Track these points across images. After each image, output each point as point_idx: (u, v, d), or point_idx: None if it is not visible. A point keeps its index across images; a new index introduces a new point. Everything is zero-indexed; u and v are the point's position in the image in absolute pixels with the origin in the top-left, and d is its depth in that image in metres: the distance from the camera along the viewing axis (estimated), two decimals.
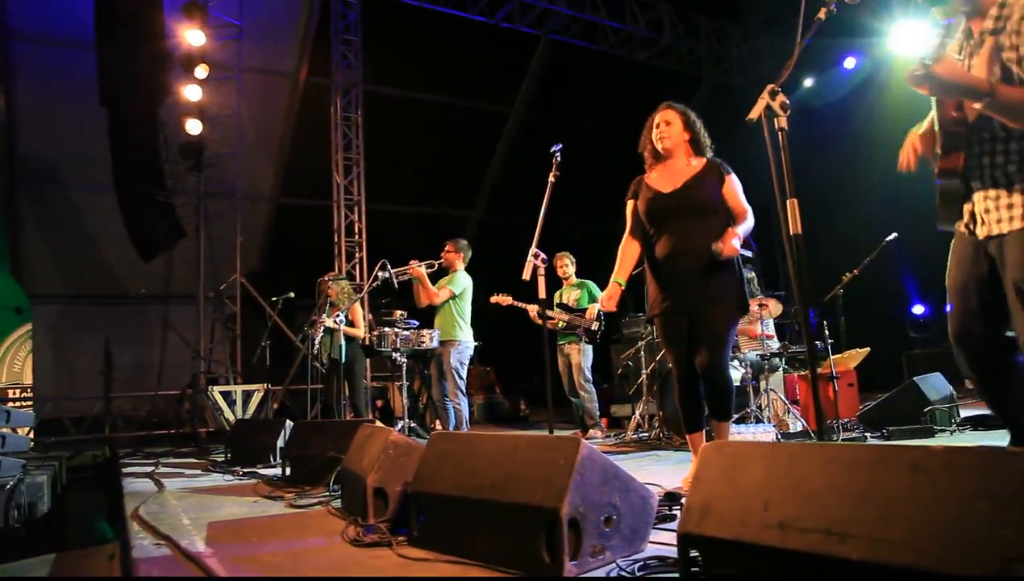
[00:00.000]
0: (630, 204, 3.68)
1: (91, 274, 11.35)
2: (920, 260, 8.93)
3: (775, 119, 2.15)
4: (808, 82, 10.83)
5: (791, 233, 2.13)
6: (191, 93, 8.81)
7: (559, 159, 3.61)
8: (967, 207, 2.34)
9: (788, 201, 2.12)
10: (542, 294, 3.52)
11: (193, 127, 8.83)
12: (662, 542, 2.42)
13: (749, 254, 4.53)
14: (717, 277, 3.35)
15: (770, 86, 2.18)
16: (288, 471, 4.46)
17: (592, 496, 2.14)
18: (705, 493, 1.71)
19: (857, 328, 7.19)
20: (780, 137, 2.13)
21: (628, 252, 3.66)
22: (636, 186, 3.67)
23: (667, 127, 3.54)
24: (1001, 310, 2.31)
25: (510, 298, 6.44)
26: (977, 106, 2.12)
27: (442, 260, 6.42)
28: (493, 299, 6.47)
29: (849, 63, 10.50)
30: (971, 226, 2.34)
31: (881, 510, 1.38)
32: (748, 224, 3.35)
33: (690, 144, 3.55)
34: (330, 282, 6.73)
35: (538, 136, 12.40)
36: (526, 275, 3.39)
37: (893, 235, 5.79)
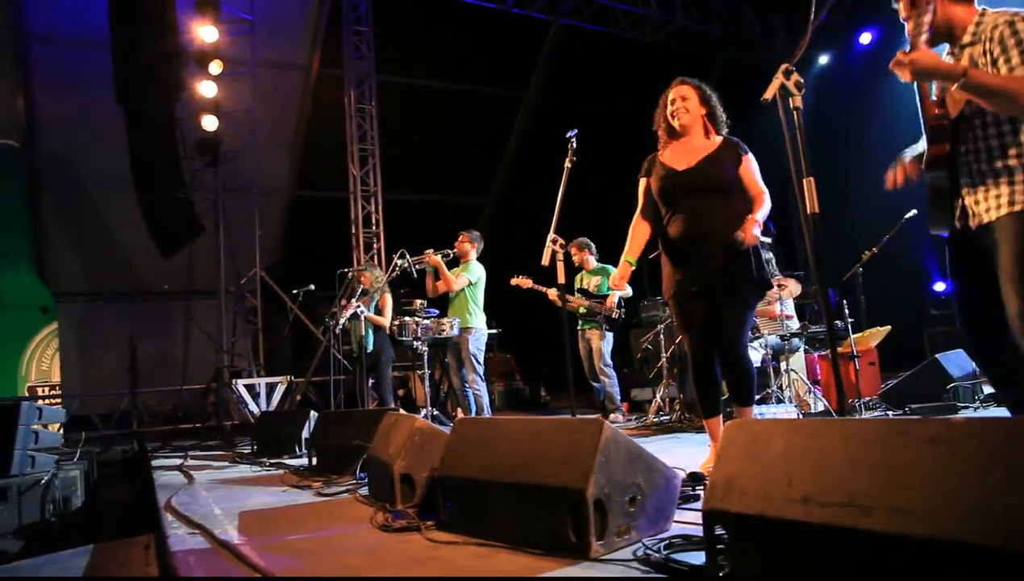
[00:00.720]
0: (642, 182, 3.60)
1: (113, 271, 11.50)
2: (940, 237, 8.87)
3: (790, 98, 2.17)
4: (824, 59, 10.71)
5: (808, 212, 2.15)
6: (206, 89, 8.89)
7: (575, 145, 3.61)
8: (956, 202, 2.43)
9: (805, 180, 2.14)
10: (561, 279, 3.54)
11: (209, 123, 8.92)
12: (687, 521, 2.46)
13: (768, 240, 4.51)
14: (734, 256, 3.27)
15: (784, 65, 2.19)
16: (314, 461, 4.54)
17: (617, 477, 2.18)
18: (728, 470, 1.74)
19: (878, 306, 7.15)
20: (795, 116, 2.14)
21: (639, 231, 3.60)
22: (649, 163, 3.59)
23: (683, 102, 3.45)
24: (1001, 300, 2.36)
25: (530, 281, 6.48)
26: (953, 88, 2.22)
27: (455, 250, 6.49)
28: (513, 281, 6.50)
29: (865, 38, 10.38)
30: (963, 220, 2.43)
31: (901, 482, 1.41)
32: (766, 208, 3.29)
33: (707, 119, 3.48)
34: (364, 269, 6.79)
35: (551, 120, 12.44)
36: (545, 261, 3.41)
37: (913, 212, 5.73)
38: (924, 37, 2.23)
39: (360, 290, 6.87)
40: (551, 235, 3.48)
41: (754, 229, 3.14)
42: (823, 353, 6.10)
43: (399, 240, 8.99)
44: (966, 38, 2.39)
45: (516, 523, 2.30)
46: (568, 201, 3.57)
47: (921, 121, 2.44)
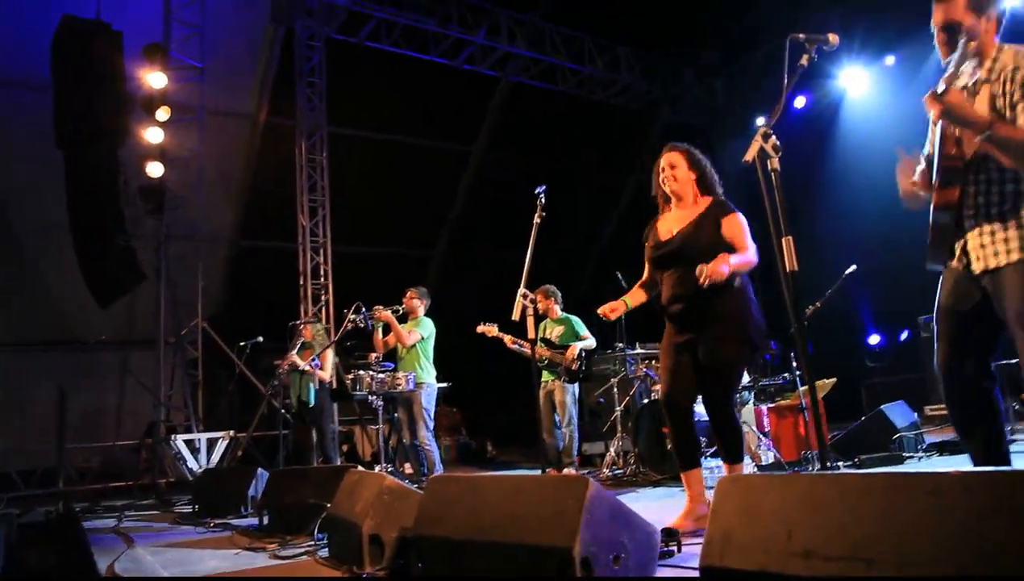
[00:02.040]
0: (647, 245, 3.68)
1: (42, 319, 10.99)
2: (874, 290, 9.25)
3: (768, 161, 2.26)
4: (761, 121, 11.20)
5: (787, 269, 2.22)
6: (152, 135, 8.71)
7: (543, 200, 3.66)
8: (959, 244, 2.44)
9: (784, 239, 2.22)
10: (531, 334, 3.55)
11: (154, 169, 8.72)
12: (667, 578, 2.45)
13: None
14: (721, 318, 3.33)
15: (762, 129, 2.29)
16: (266, 521, 4.36)
17: (602, 534, 2.16)
18: (724, 525, 1.75)
19: (818, 359, 7.37)
20: (773, 177, 2.23)
21: (640, 289, 3.73)
22: (648, 230, 3.69)
23: (671, 170, 3.55)
24: (989, 344, 2.43)
25: (495, 328, 6.44)
26: (976, 140, 2.26)
27: (404, 306, 6.49)
28: (480, 329, 6.46)
29: (799, 102, 10.94)
30: (964, 262, 2.44)
31: (904, 533, 1.44)
32: (746, 257, 3.32)
33: (697, 183, 3.55)
34: (305, 324, 6.73)
35: (498, 174, 12.71)
36: (516, 315, 3.42)
37: (853, 267, 5.98)
38: (961, 83, 2.25)
39: (301, 343, 6.78)
40: (521, 290, 3.49)
41: (721, 266, 3.13)
42: (771, 405, 6.23)
43: (347, 293, 8.91)
44: (982, 73, 2.39)
45: None
46: (537, 256, 3.59)
47: (935, 157, 2.44)
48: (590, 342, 6.52)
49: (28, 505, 7.47)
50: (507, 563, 2.25)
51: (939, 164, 2.41)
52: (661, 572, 2.46)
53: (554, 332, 6.62)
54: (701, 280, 3.13)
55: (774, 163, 2.25)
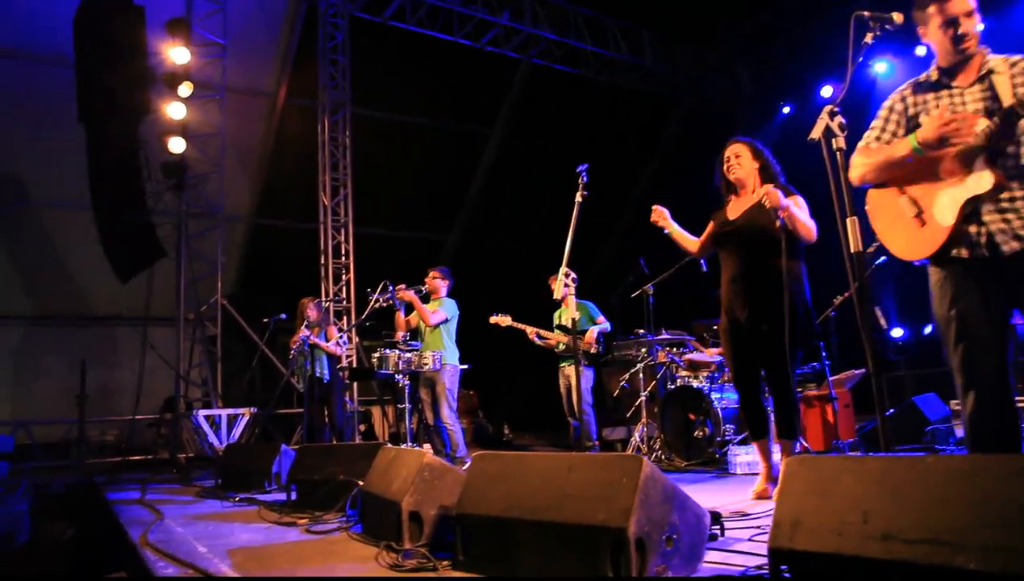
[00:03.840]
0: (709, 225, 3.99)
1: (60, 294, 11.08)
2: (899, 283, 9.15)
3: (833, 139, 2.21)
4: (787, 109, 11.10)
5: (852, 250, 2.18)
6: (174, 111, 8.69)
7: (585, 178, 3.65)
8: (977, 229, 2.36)
9: (848, 219, 2.18)
10: (573, 314, 3.55)
11: (176, 145, 8.70)
12: (714, 561, 2.43)
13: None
14: (779, 302, 3.44)
15: (829, 107, 2.24)
16: (294, 496, 4.37)
17: (655, 515, 2.14)
18: (794, 507, 1.72)
19: (844, 350, 7.32)
20: (838, 157, 2.19)
21: (691, 239, 4.07)
22: (717, 213, 3.97)
23: (736, 159, 3.85)
24: (1005, 339, 2.35)
25: (509, 318, 6.45)
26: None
27: (426, 286, 6.48)
28: (492, 320, 6.48)
29: (826, 91, 10.80)
30: (989, 248, 2.35)
31: (992, 518, 1.40)
32: (806, 217, 3.58)
33: (760, 172, 3.83)
34: (309, 303, 6.76)
35: (517, 158, 12.64)
36: (557, 294, 3.42)
37: (883, 259, 5.92)
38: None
39: (306, 322, 6.80)
40: (563, 269, 3.48)
41: (780, 195, 3.42)
42: (799, 395, 6.18)
43: (365, 273, 8.90)
44: (973, 74, 2.45)
45: (547, 563, 2.23)
46: (578, 235, 3.57)
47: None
48: (606, 326, 6.61)
49: (48, 476, 7.53)
50: (557, 543, 2.23)
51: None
52: (708, 556, 2.43)
53: (572, 318, 6.62)
54: (762, 199, 3.43)
55: (839, 142, 2.21)
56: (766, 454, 3.82)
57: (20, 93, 9.82)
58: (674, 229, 4.03)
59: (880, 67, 10.01)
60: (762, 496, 3.64)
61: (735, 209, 3.85)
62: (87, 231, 9.10)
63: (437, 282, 6.55)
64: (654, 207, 3.93)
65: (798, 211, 3.55)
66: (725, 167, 3.88)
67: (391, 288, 5.90)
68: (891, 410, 5.78)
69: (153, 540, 3.43)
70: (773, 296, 3.47)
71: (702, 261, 4.37)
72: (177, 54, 8.66)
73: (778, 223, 3.41)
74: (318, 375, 6.68)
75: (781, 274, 3.40)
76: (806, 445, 5.46)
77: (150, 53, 8.54)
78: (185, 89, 8.69)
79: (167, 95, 8.75)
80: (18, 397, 10.86)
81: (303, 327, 6.73)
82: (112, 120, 8.37)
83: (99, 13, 8.40)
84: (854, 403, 6.15)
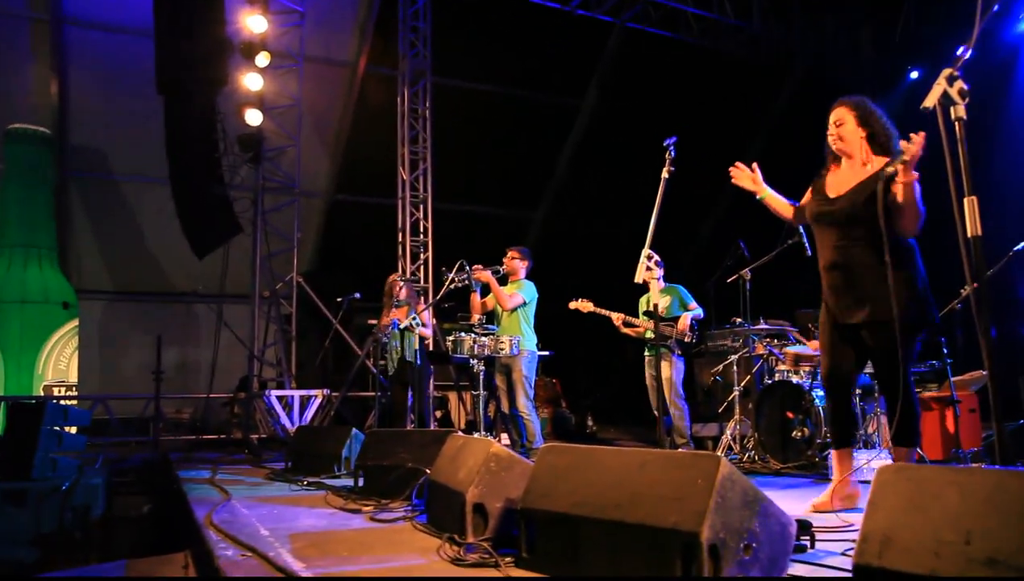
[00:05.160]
0: (808, 192, 3.77)
1: (140, 270, 11.72)
2: None
3: (952, 108, 2.08)
4: (915, 74, 10.53)
5: (969, 235, 2.05)
6: (251, 82, 9.00)
7: (673, 153, 3.57)
8: None
9: (966, 199, 2.04)
10: (655, 299, 3.49)
11: (253, 117, 9.02)
12: (798, 575, 2.36)
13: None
14: (884, 290, 3.26)
15: (947, 71, 2.10)
16: (361, 482, 4.49)
17: (732, 520, 2.09)
18: (885, 521, 1.65)
19: (971, 348, 6.94)
20: (957, 128, 2.05)
21: (786, 204, 3.84)
22: (816, 181, 3.72)
23: (837, 128, 3.57)
24: None
25: (591, 304, 6.39)
26: None
27: (504, 267, 6.47)
28: (572, 305, 6.44)
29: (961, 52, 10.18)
30: None
31: None
32: (919, 198, 3.26)
33: (868, 141, 3.52)
34: (400, 281, 6.83)
35: (608, 131, 12.48)
36: (639, 278, 3.36)
37: (1022, 245, 5.56)
38: None
39: (395, 302, 6.87)
40: (646, 250, 3.42)
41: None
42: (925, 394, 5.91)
43: (446, 251, 9.00)
44: None
45: (615, 565, 2.22)
46: (664, 214, 3.50)
47: None
48: (699, 312, 6.41)
49: (125, 452, 8.01)
50: (626, 545, 2.21)
51: None
52: (793, 569, 2.36)
53: (660, 303, 6.48)
54: (905, 157, 3.06)
55: (959, 111, 2.07)
56: (843, 466, 3.63)
57: (102, 64, 10.40)
58: (766, 193, 3.81)
59: None
60: (820, 509, 3.46)
61: (837, 184, 3.59)
62: (166, 205, 9.57)
63: (516, 263, 6.55)
64: (735, 166, 3.72)
65: (918, 192, 3.24)
66: (828, 136, 3.62)
67: (468, 268, 5.94)
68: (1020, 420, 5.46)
69: (217, 520, 3.59)
70: (877, 292, 3.31)
71: (806, 245, 4.21)
72: (254, 22, 8.94)
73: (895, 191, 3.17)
74: (408, 359, 6.74)
75: (885, 260, 3.19)
76: (921, 454, 5.22)
77: (228, 22, 8.84)
78: (263, 59, 8.98)
79: (244, 65, 9.07)
80: (101, 371, 11.56)
81: (393, 308, 6.79)
82: (190, 91, 8.73)
83: None
84: (982, 408, 5.82)
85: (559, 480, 2.51)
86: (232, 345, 9.61)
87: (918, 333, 3.48)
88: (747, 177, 3.80)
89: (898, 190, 3.20)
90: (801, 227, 4.45)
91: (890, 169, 3.16)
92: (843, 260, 3.47)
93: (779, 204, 3.85)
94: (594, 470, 2.43)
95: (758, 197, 3.83)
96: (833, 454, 3.75)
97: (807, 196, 3.76)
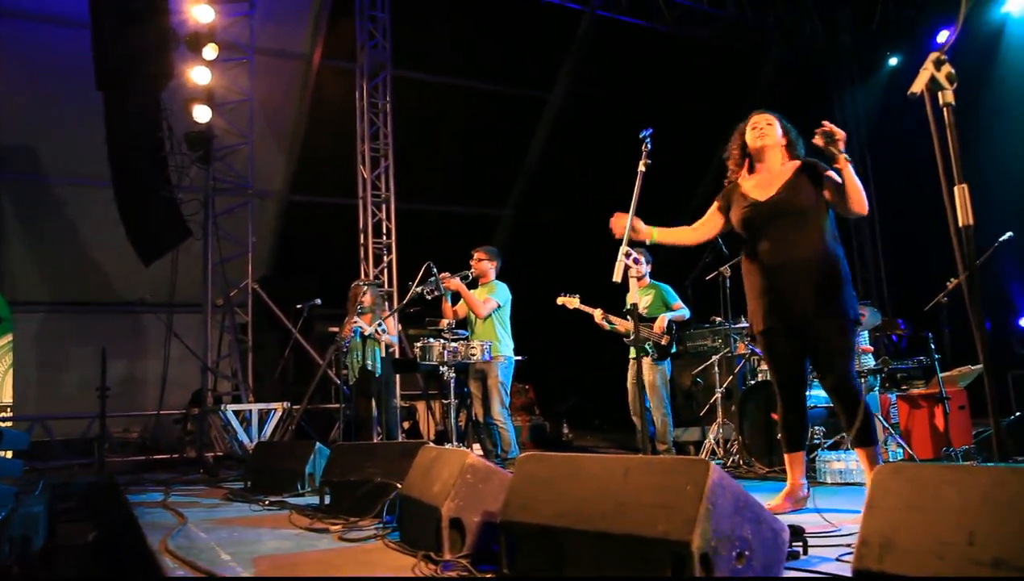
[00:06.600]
0: (715, 204, 4.04)
1: (80, 279, 11.47)
2: None
3: (940, 93, 2.12)
4: (894, 60, 10.73)
5: (961, 225, 2.09)
6: (199, 76, 8.88)
7: (649, 145, 3.61)
8: None
9: (957, 187, 2.08)
10: (632, 298, 3.50)
11: (201, 114, 8.90)
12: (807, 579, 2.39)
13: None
14: (822, 287, 3.58)
15: (934, 54, 2.14)
16: (327, 500, 4.45)
17: (724, 528, 2.11)
18: (884, 523, 1.67)
19: (958, 343, 7.07)
20: (945, 114, 2.09)
21: (683, 230, 4.09)
22: (730, 191, 4.00)
23: (768, 127, 3.86)
24: None
25: (577, 300, 6.39)
26: None
27: (472, 270, 6.46)
28: (560, 301, 6.44)
29: (942, 36, 10.39)
30: None
31: None
32: (857, 182, 3.56)
33: (787, 148, 3.87)
34: (364, 287, 6.79)
35: (576, 124, 12.52)
36: (617, 277, 3.37)
37: (1009, 235, 5.69)
38: None
39: (360, 307, 6.84)
40: (623, 248, 3.44)
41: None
42: (901, 394, 6.01)
43: (410, 254, 8.96)
44: None
45: (602, 578, 2.22)
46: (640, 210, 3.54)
47: None
48: (682, 313, 6.42)
49: (68, 476, 7.86)
50: (612, 556, 2.21)
51: None
52: (786, 575, 2.39)
53: (641, 302, 6.50)
54: (827, 127, 3.40)
55: (947, 96, 2.11)
56: (795, 469, 3.89)
57: (33, 57, 10.14)
58: (654, 234, 3.95)
59: (1015, 5, 9.51)
60: (774, 512, 3.49)
61: (760, 188, 3.81)
62: (107, 209, 9.39)
63: (484, 265, 6.54)
64: (613, 217, 3.75)
65: (856, 179, 3.52)
66: (750, 134, 3.87)
67: (434, 272, 5.92)
68: (1017, 414, 5.57)
69: (173, 546, 3.54)
70: (817, 280, 3.55)
71: (723, 247, 4.36)
72: (201, 12, 8.82)
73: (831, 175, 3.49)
74: (369, 368, 6.71)
75: (824, 256, 3.54)
76: (911, 453, 5.31)
77: (172, 11, 8.71)
78: (210, 51, 8.86)
79: (191, 58, 8.94)
80: (40, 389, 11.31)
81: (355, 315, 6.76)
82: (132, 86, 8.58)
83: None
84: (971, 405, 5.94)
85: (540, 491, 2.51)
86: (184, 357, 9.46)
87: (859, 326, 3.78)
88: (624, 229, 3.65)
89: (843, 170, 3.47)
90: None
91: (832, 149, 3.42)
92: (784, 257, 3.65)
93: (675, 235, 4.07)
94: (576, 479, 2.43)
95: (648, 242, 3.98)
96: (786, 457, 3.96)
97: (713, 209, 4.03)
